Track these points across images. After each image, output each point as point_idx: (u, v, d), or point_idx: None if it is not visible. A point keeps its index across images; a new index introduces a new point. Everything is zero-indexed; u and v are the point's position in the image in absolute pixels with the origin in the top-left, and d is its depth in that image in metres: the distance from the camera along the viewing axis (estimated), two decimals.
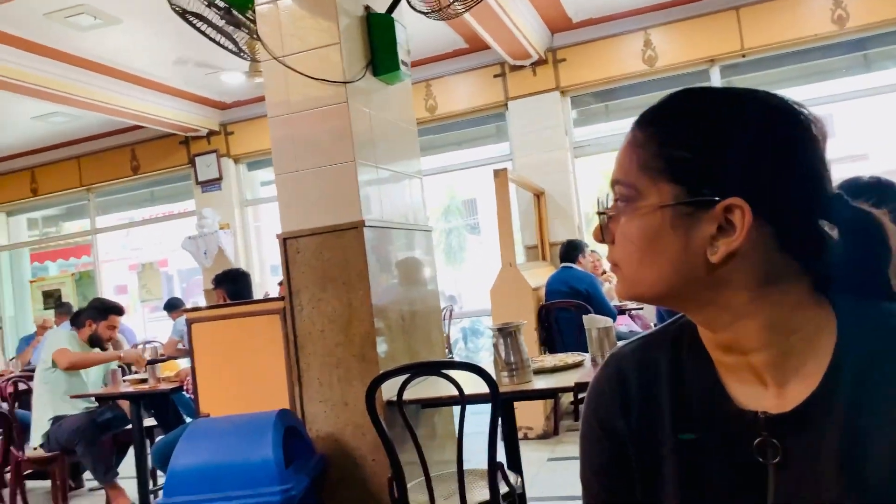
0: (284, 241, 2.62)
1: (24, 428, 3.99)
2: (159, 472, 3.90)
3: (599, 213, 0.73)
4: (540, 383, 2.36)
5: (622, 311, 5.25)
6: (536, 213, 6.12)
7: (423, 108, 6.42)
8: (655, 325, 2.35)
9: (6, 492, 4.13)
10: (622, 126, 6.31)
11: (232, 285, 3.59)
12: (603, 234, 0.72)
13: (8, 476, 4.10)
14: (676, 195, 0.66)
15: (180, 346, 6.05)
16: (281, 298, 2.70)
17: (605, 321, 2.39)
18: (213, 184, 7.57)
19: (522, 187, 5.89)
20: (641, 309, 5.53)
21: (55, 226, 9.19)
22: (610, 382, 0.78)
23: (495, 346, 2.39)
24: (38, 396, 3.92)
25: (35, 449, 3.83)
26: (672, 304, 0.71)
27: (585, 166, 6.56)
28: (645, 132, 0.69)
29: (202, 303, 7.68)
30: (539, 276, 5.13)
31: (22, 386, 4.54)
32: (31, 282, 8.96)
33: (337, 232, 2.53)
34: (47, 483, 4.40)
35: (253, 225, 7.88)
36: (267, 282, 7.82)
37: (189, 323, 2.68)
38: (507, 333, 2.37)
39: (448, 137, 7.05)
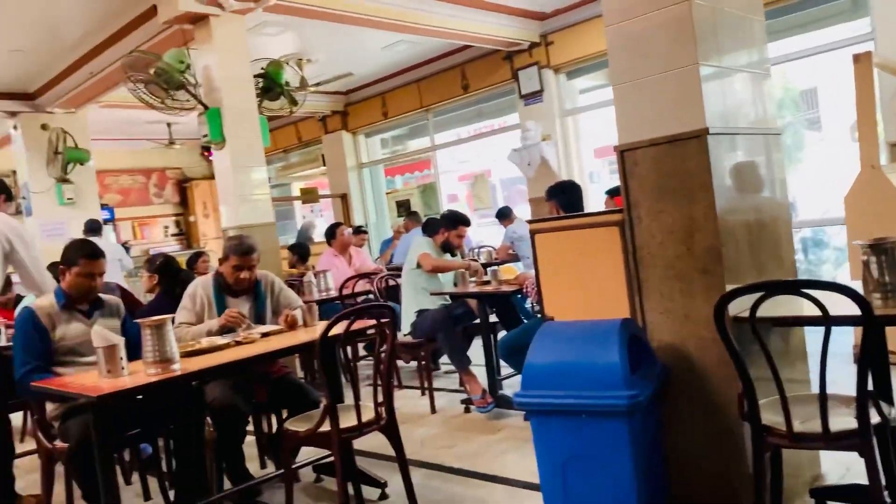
0: (622, 153, 2.61)
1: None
2: (502, 363, 4.36)
3: None
4: None
5: None
6: None
7: None
8: None
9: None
10: None
11: (565, 197, 3.72)
12: None
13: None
14: None
15: (511, 251, 6.55)
16: (618, 210, 2.73)
17: None
18: (534, 96, 7.81)
19: (888, 72, 4.92)
20: None
21: (402, 144, 10.47)
22: None
23: (866, 263, 2.12)
24: (405, 292, 4.64)
25: (405, 336, 4.56)
26: None
27: None
28: None
29: (527, 211, 8.14)
30: None
31: (390, 282, 5.41)
32: (387, 193, 10.44)
33: (678, 142, 2.44)
34: (412, 364, 5.27)
35: (572, 134, 7.99)
36: (587, 189, 7.92)
37: (532, 234, 2.88)
38: (882, 250, 2.09)
39: (789, 21, 6.16)
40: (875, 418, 1.95)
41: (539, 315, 4.04)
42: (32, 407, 3.09)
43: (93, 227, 7.10)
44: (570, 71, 7.81)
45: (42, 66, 6.68)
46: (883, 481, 2.01)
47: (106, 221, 7.65)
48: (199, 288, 3.36)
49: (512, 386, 4.30)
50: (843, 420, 1.97)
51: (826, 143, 10.37)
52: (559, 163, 7.76)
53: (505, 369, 4.44)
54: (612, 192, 5.49)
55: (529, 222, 2.97)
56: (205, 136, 5.19)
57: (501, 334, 4.38)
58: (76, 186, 7.67)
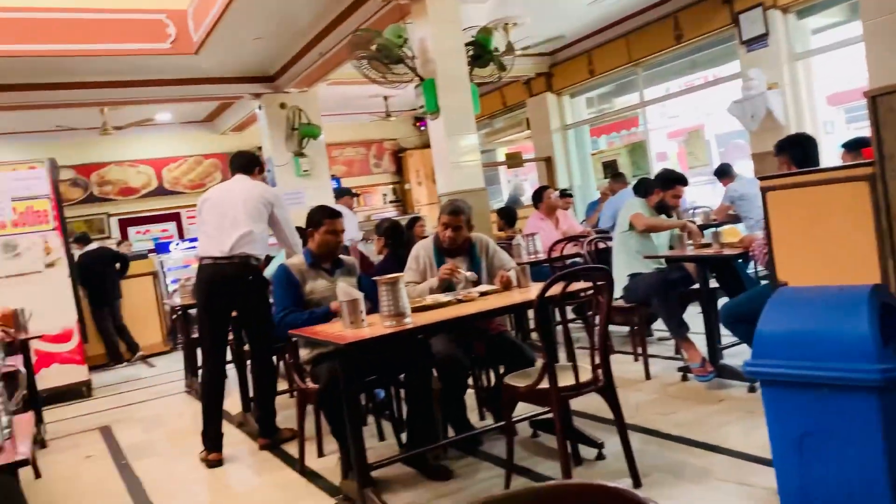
0: (873, 98, 2.32)
1: None
2: (723, 331, 4.13)
3: None
4: None
5: None
6: None
7: None
8: None
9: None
10: None
11: (799, 150, 3.38)
12: None
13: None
14: None
15: (731, 212, 6.12)
16: (866, 163, 2.44)
17: None
18: (758, 41, 7.12)
19: None
20: None
21: (608, 102, 10.14)
22: None
23: None
24: (616, 255, 4.56)
25: (616, 300, 4.49)
26: None
27: None
28: None
29: (747, 167, 7.51)
30: None
31: (600, 245, 5.34)
32: (592, 154, 10.23)
33: None
34: (622, 330, 5.20)
35: (803, 81, 7.18)
36: (821, 141, 7.10)
37: (764, 191, 2.68)
38: None
39: None
40: None
41: (767, 280, 3.76)
42: (287, 351, 3.57)
43: (340, 194, 8.08)
44: (802, 9, 6.99)
45: (279, 50, 7.47)
46: None
47: (339, 191, 8.53)
48: (422, 250, 3.61)
49: (734, 355, 4.07)
50: None
51: None
52: (786, 113, 7.03)
53: (726, 338, 4.20)
54: (850, 146, 4.88)
55: (761, 179, 2.76)
56: (421, 106, 5.46)
57: (722, 301, 4.14)
58: (310, 159, 8.52)
